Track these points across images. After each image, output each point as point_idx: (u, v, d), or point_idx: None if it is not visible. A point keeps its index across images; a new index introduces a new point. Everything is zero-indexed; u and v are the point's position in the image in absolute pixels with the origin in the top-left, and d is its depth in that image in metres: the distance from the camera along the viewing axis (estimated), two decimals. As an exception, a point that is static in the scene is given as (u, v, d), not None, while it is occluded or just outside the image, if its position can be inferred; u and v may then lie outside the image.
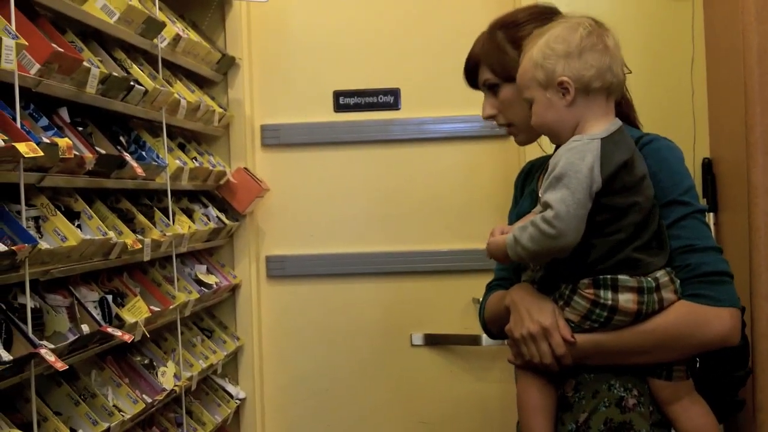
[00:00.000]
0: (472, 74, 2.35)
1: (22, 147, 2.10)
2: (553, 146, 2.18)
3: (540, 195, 2.02)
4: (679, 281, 2.07)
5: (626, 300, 2.02)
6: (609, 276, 2.01)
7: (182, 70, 3.57)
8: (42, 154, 2.16)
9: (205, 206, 3.75)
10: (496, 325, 2.37)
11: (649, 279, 2.03)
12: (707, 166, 3.72)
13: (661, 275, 2.05)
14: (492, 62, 2.27)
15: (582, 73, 2.02)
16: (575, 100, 2.03)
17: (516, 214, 2.38)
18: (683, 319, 2.05)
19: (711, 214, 3.65)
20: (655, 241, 2.06)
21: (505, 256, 2.08)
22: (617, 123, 2.06)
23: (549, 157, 2.45)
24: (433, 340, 3.98)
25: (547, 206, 1.97)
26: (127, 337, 2.63)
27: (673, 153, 2.18)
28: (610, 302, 2.02)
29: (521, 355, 2.13)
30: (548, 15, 2.26)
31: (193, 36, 3.52)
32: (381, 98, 3.99)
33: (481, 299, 2.50)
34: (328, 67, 4.01)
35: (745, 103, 3.07)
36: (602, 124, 2.04)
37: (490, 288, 2.47)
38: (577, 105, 2.04)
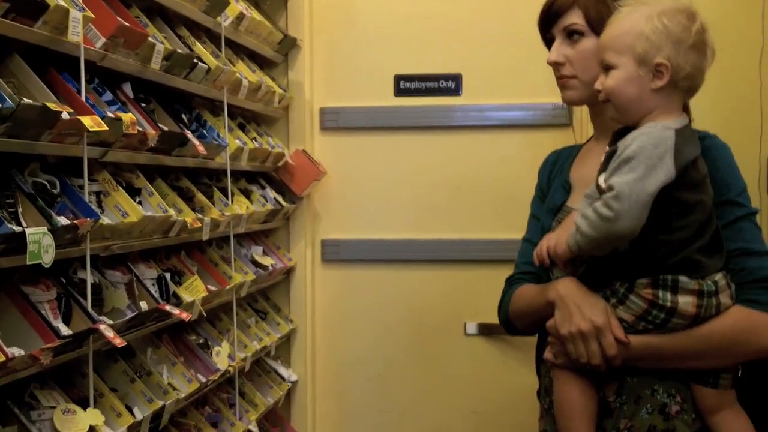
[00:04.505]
0: (554, 16, 2.20)
1: (87, 120, 2.09)
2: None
3: (602, 184, 1.95)
4: (734, 285, 2.00)
5: (686, 303, 1.93)
6: (670, 276, 1.93)
7: (243, 49, 3.55)
8: (106, 128, 2.15)
9: (263, 187, 3.74)
10: (526, 320, 2.27)
11: (709, 282, 1.95)
12: (772, 163, 3.66)
13: (719, 279, 1.97)
14: (589, 9, 2.15)
15: (683, 66, 1.92)
16: (662, 88, 1.94)
17: (547, 207, 2.30)
18: (740, 324, 1.98)
19: (773, 212, 3.58)
20: (713, 243, 1.99)
21: (566, 249, 1.99)
22: (686, 119, 1.98)
23: (576, 147, 2.40)
24: (487, 330, 3.94)
25: (610, 189, 1.89)
26: (185, 316, 2.61)
27: (728, 152, 2.10)
28: (669, 304, 1.93)
29: (565, 353, 2.03)
30: None
31: (256, 15, 3.50)
32: (442, 83, 3.94)
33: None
34: (390, 50, 3.97)
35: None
36: (674, 117, 1.96)
37: (512, 281, 2.37)
38: (661, 93, 1.94)
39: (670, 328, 1.96)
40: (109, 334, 2.21)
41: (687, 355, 1.98)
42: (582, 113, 3.75)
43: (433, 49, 3.96)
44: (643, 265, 1.94)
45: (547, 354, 2.09)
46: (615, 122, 2.07)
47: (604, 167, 1.96)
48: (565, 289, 2.05)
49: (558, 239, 2.02)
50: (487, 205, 3.92)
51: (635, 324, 1.97)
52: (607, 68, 1.98)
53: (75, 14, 2.08)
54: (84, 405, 2.25)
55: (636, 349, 1.97)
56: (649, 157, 1.87)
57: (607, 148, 2.01)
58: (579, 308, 2.00)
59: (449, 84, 3.94)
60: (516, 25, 3.84)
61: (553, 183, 2.35)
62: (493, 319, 3.89)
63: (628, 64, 1.95)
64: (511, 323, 2.33)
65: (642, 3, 1.97)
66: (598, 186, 1.96)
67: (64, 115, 2.02)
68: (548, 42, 2.28)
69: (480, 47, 3.93)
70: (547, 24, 2.23)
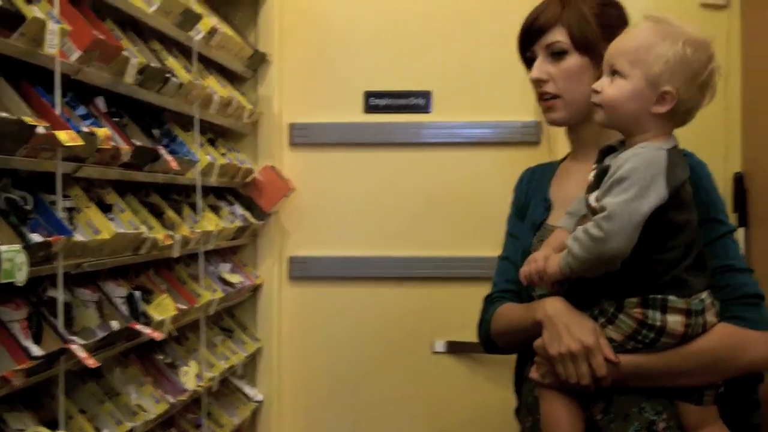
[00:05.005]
0: (536, 34, 2.20)
1: (62, 135, 2.05)
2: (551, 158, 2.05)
3: (593, 203, 1.94)
4: (718, 303, 2.01)
5: (675, 322, 1.93)
6: (659, 296, 1.92)
7: (214, 64, 3.50)
8: (82, 143, 2.10)
9: (231, 204, 3.69)
10: (509, 339, 2.25)
11: (696, 301, 1.95)
12: (739, 180, 3.66)
13: (705, 297, 1.97)
14: (572, 27, 2.15)
15: (686, 100, 1.91)
16: (661, 114, 1.93)
17: (527, 226, 2.29)
18: (726, 342, 1.99)
19: (741, 230, 3.59)
20: (698, 261, 1.99)
21: (557, 271, 1.96)
22: (675, 140, 1.97)
23: (551, 164, 2.39)
24: (455, 348, 3.91)
25: (602, 210, 1.87)
26: (157, 335, 2.56)
27: (708, 170, 2.12)
28: (658, 323, 1.93)
29: (553, 373, 2.01)
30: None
31: (227, 30, 3.46)
32: (412, 100, 3.92)
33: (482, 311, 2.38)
34: (360, 67, 3.94)
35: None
36: (665, 139, 1.94)
37: (492, 300, 2.34)
38: (658, 118, 1.92)
39: (658, 348, 1.95)
40: (82, 354, 2.16)
41: (675, 374, 1.98)
42: (551, 131, 3.75)
43: (404, 66, 3.93)
44: (632, 285, 1.93)
45: (534, 374, 2.07)
46: (600, 127, 2.06)
47: (595, 186, 1.95)
48: (553, 308, 2.03)
49: (547, 260, 2.00)
50: (457, 223, 3.90)
51: (624, 343, 1.96)
52: (613, 73, 1.96)
53: (52, 27, 2.04)
54: (53, 427, 2.19)
55: (625, 368, 1.96)
56: (642, 179, 1.85)
57: (594, 165, 2.00)
58: (568, 328, 1.98)
59: (419, 101, 3.92)
60: (486, 43, 3.85)
61: (531, 201, 2.34)
62: (461, 336, 3.91)
63: (638, 79, 1.92)
64: (492, 342, 2.31)
65: (668, 22, 1.94)
66: (588, 205, 1.95)
67: (40, 130, 1.97)
68: (527, 60, 2.27)
69: (450, 65, 3.92)
70: (529, 41, 2.23)
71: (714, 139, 3.71)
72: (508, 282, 2.31)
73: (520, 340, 2.16)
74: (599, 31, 2.14)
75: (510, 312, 2.23)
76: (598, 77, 2.00)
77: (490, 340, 2.31)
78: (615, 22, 2.19)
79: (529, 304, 2.14)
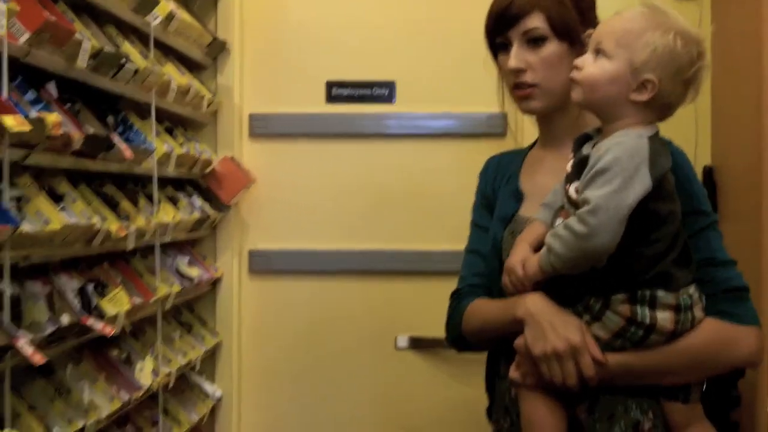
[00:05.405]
0: (512, 20, 2.10)
1: (8, 120, 1.95)
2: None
3: (573, 195, 1.87)
4: (704, 297, 1.96)
5: (664, 318, 1.87)
6: (648, 291, 1.86)
7: (172, 51, 3.41)
8: (30, 128, 2.01)
9: (189, 195, 3.60)
10: (484, 337, 2.16)
11: (685, 296, 1.89)
12: (708, 173, 3.63)
13: (693, 291, 1.92)
14: (551, 13, 2.07)
15: (666, 94, 1.85)
16: (639, 103, 1.87)
17: (497, 217, 2.22)
18: (715, 338, 1.94)
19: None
20: (683, 254, 1.93)
21: (537, 271, 1.90)
22: (656, 127, 1.91)
23: (517, 152, 2.34)
24: (418, 344, 3.85)
25: (585, 203, 1.81)
26: (108, 330, 2.46)
27: (687, 159, 2.07)
28: (648, 320, 1.86)
29: (536, 374, 1.93)
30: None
31: (186, 16, 3.36)
32: (375, 91, 3.84)
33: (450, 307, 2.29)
34: (322, 56, 3.86)
35: (760, 109, 2.97)
36: (644, 126, 1.88)
37: (461, 295, 2.25)
38: (636, 106, 1.87)
39: (647, 345, 1.90)
40: (28, 350, 2.07)
41: (664, 372, 1.92)
42: (517, 122, 3.70)
43: (367, 56, 3.87)
44: (616, 281, 1.87)
45: (514, 373, 1.99)
46: (577, 108, 2.04)
47: (574, 176, 1.88)
48: (535, 305, 1.95)
49: (524, 264, 1.93)
50: (421, 216, 3.84)
51: (611, 342, 1.90)
52: (598, 52, 1.89)
53: (-1, 6, 1.94)
54: None
55: (612, 367, 1.90)
56: (625, 169, 1.79)
57: (571, 154, 1.94)
58: (553, 326, 1.90)
59: (383, 91, 3.85)
60: (451, 33, 3.80)
61: (500, 191, 2.27)
62: (425, 332, 3.85)
63: (622, 62, 1.86)
64: (463, 340, 2.22)
65: (664, 12, 1.88)
66: (568, 196, 1.88)
67: (-16, 114, 1.88)
68: (497, 47, 2.19)
69: (414, 55, 3.86)
70: (502, 27, 2.13)
71: (684, 131, 3.67)
72: (477, 276, 2.23)
73: (497, 338, 2.09)
74: (579, 18, 2.08)
75: (485, 308, 2.15)
76: None
77: (461, 338, 2.23)
78: (587, 5, 2.13)
79: (506, 300, 2.05)
